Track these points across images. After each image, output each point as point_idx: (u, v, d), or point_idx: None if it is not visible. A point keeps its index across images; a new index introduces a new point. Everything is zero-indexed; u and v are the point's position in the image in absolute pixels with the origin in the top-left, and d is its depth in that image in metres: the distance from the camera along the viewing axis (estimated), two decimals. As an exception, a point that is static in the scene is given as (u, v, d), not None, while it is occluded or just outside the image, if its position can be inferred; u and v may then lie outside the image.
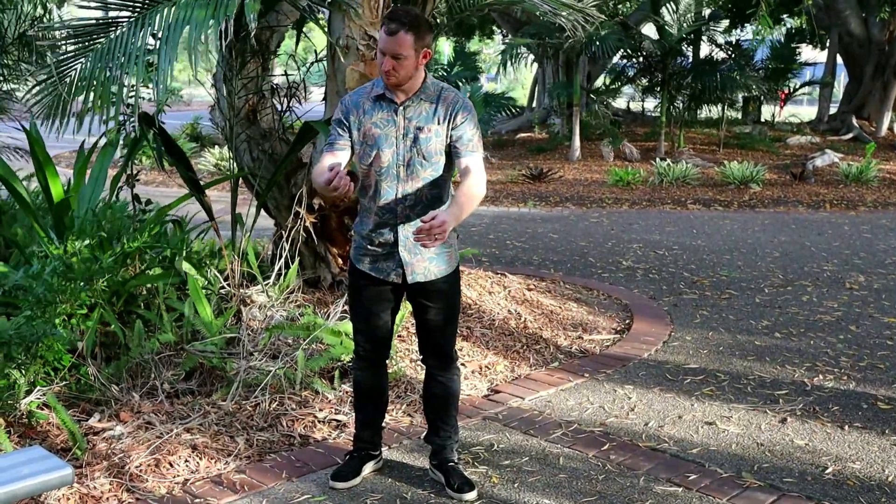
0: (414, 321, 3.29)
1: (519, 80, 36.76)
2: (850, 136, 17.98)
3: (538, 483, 3.30)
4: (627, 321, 5.62)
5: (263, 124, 5.45)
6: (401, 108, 2.98)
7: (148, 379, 3.94)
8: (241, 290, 4.68)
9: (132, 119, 4.84)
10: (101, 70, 4.02)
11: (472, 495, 3.16)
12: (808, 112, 24.00)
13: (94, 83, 4.02)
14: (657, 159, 14.08)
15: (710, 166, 14.23)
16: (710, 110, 18.26)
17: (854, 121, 18.45)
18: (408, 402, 4.03)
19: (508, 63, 15.83)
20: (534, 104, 22.07)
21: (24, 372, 3.48)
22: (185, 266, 4.45)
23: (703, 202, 11.41)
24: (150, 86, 4.14)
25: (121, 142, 5.05)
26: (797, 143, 17.31)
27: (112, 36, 4.09)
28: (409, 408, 3.99)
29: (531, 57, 19.27)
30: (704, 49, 18.17)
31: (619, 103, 21.89)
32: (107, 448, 3.38)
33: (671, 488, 3.27)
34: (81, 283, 3.74)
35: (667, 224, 9.75)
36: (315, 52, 5.51)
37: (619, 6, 17.57)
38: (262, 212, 5.28)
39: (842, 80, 22.29)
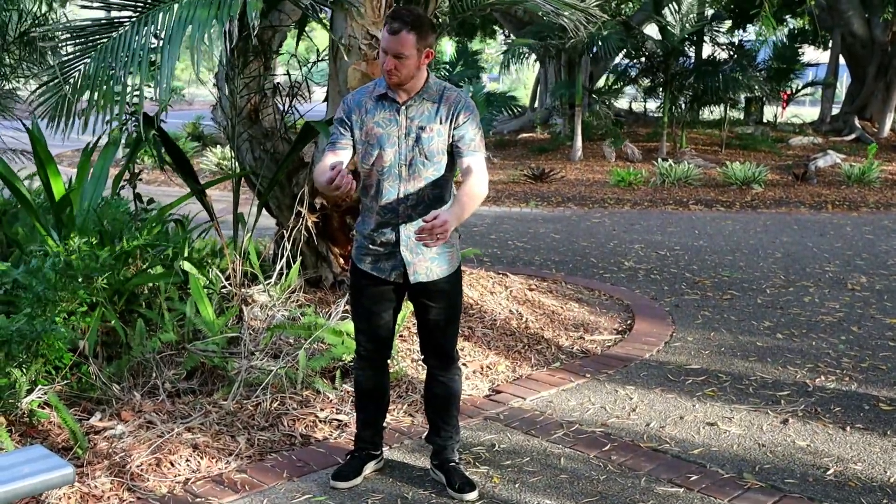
0: (415, 321, 3.29)
1: (521, 80, 36.77)
2: (852, 136, 17.97)
3: (539, 483, 3.30)
4: (629, 322, 5.61)
5: (265, 124, 5.45)
6: (403, 107, 2.98)
7: (149, 378, 3.95)
8: (243, 290, 4.68)
9: (133, 119, 4.84)
10: (104, 70, 4.02)
11: (473, 495, 3.16)
12: (810, 113, 24.00)
13: (98, 82, 4.02)
14: (659, 160, 14.07)
15: (712, 167, 14.23)
16: (712, 111, 18.27)
17: (856, 121, 18.44)
18: (409, 402, 4.03)
19: (511, 63, 15.84)
20: (536, 104, 22.07)
21: (25, 371, 3.48)
22: (187, 265, 4.45)
23: (704, 203, 11.40)
24: (152, 84, 4.13)
25: (122, 141, 5.05)
26: (799, 144, 17.30)
27: (115, 35, 4.10)
28: (411, 408, 3.99)
29: (533, 57, 19.27)
30: (707, 49, 18.15)
31: (622, 104, 21.88)
32: (108, 447, 3.38)
33: (672, 489, 3.26)
34: (79, 281, 3.73)
35: (668, 224, 9.74)
36: (317, 51, 5.51)
37: (622, 6, 17.54)
38: (264, 211, 5.28)
39: (844, 80, 22.27)
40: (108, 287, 4.07)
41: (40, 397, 3.54)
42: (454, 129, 2.98)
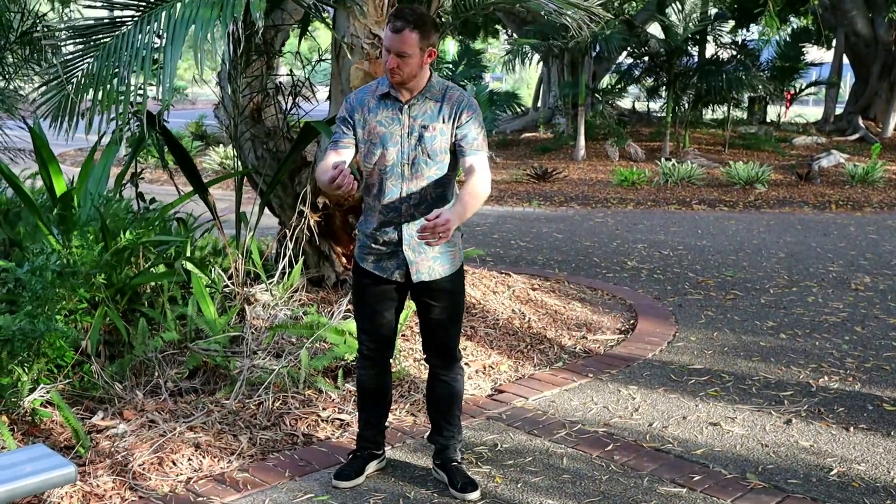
0: (418, 320, 3.28)
1: (524, 80, 36.76)
2: (856, 136, 17.93)
3: (541, 483, 3.29)
4: (632, 321, 5.60)
5: (268, 123, 5.45)
6: (406, 106, 2.97)
7: (151, 377, 3.95)
8: (245, 289, 4.68)
9: (134, 118, 4.84)
10: (107, 69, 4.02)
11: (475, 495, 3.15)
12: (813, 112, 23.95)
13: (101, 82, 4.02)
14: (662, 159, 14.05)
15: (715, 166, 14.21)
16: (715, 110, 18.22)
17: (860, 121, 18.39)
18: (411, 402, 4.03)
19: (515, 62, 15.83)
20: (539, 103, 22.05)
21: (27, 369, 3.49)
22: (189, 265, 4.45)
23: (708, 202, 11.39)
24: (155, 83, 4.14)
25: (123, 140, 5.05)
26: (803, 144, 17.27)
27: (118, 34, 4.10)
28: (413, 407, 3.98)
29: (536, 56, 19.25)
30: (710, 49, 18.13)
31: (625, 103, 21.86)
32: (110, 446, 3.38)
33: (675, 489, 3.26)
34: (74, 279, 3.73)
35: (672, 224, 9.73)
36: (319, 51, 5.51)
37: (625, 5, 17.52)
38: (266, 210, 5.28)
39: (848, 80, 22.22)
40: (110, 286, 4.07)
41: (43, 396, 3.54)
42: (457, 128, 2.97)
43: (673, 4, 15.25)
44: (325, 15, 4.95)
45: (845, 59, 19.49)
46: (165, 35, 3.89)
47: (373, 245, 3.08)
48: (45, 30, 6.58)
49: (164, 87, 3.91)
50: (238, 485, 3.21)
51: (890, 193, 12.16)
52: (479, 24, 22.71)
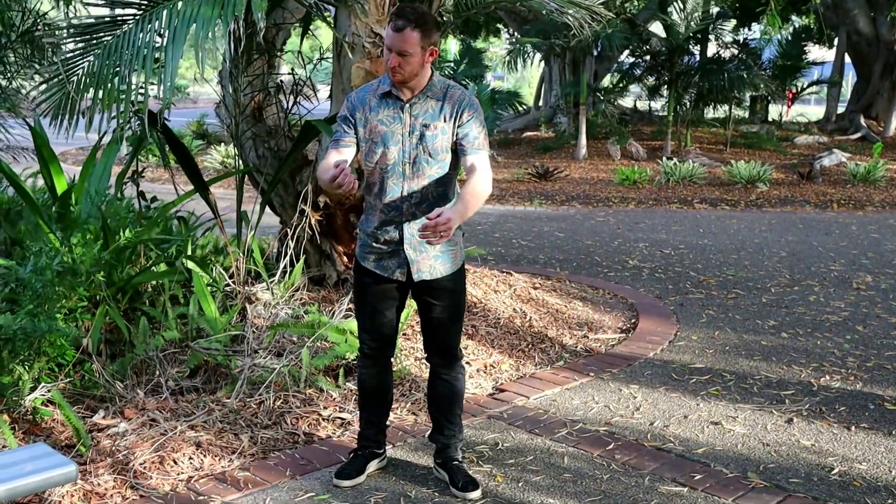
0: (419, 319, 3.28)
1: (525, 79, 36.71)
2: (857, 135, 17.91)
3: (542, 482, 3.29)
4: (633, 320, 5.60)
5: (269, 122, 5.45)
6: (407, 105, 2.97)
7: (152, 376, 3.95)
8: (246, 288, 4.68)
9: (135, 117, 4.84)
10: (108, 68, 4.01)
11: (476, 494, 3.15)
12: (815, 111, 23.92)
13: (102, 80, 4.02)
14: (664, 158, 14.04)
15: (716, 165, 14.20)
16: (716, 109, 18.19)
17: (862, 120, 18.38)
18: (412, 401, 4.03)
19: (517, 61, 15.81)
20: (540, 102, 22.04)
21: (28, 368, 3.49)
22: (190, 263, 4.45)
23: (709, 201, 11.38)
24: (156, 81, 4.13)
25: (124, 139, 5.05)
26: (804, 143, 17.25)
27: (119, 33, 4.09)
28: (414, 406, 3.98)
29: (538, 55, 19.23)
30: (712, 48, 18.11)
31: (626, 102, 21.84)
32: (111, 445, 3.38)
33: (676, 488, 3.25)
34: (74, 277, 3.73)
35: (673, 223, 9.72)
36: (320, 49, 5.51)
37: (626, 4, 17.49)
38: (268, 209, 5.28)
39: (850, 79, 22.19)
40: (110, 284, 4.07)
41: (44, 395, 3.55)
42: (458, 126, 2.97)
43: (675, 3, 15.23)
44: (326, 14, 4.95)
45: (847, 58, 19.47)
46: (166, 34, 3.89)
47: (374, 244, 3.08)
48: (46, 28, 6.58)
49: (165, 85, 3.90)
50: (239, 483, 3.21)
51: (892, 192, 12.15)
52: (481, 23, 22.70)
